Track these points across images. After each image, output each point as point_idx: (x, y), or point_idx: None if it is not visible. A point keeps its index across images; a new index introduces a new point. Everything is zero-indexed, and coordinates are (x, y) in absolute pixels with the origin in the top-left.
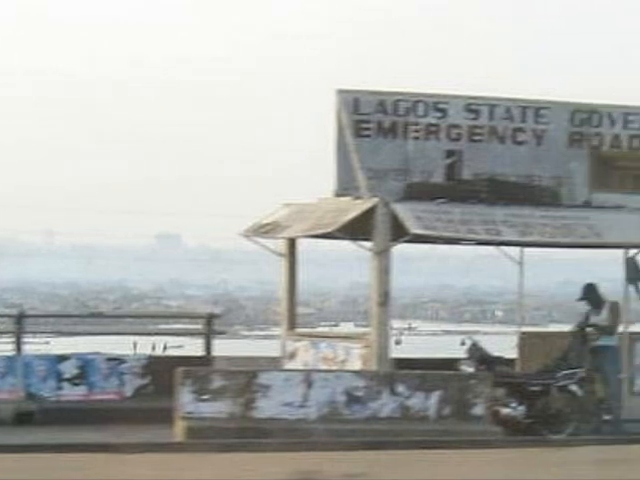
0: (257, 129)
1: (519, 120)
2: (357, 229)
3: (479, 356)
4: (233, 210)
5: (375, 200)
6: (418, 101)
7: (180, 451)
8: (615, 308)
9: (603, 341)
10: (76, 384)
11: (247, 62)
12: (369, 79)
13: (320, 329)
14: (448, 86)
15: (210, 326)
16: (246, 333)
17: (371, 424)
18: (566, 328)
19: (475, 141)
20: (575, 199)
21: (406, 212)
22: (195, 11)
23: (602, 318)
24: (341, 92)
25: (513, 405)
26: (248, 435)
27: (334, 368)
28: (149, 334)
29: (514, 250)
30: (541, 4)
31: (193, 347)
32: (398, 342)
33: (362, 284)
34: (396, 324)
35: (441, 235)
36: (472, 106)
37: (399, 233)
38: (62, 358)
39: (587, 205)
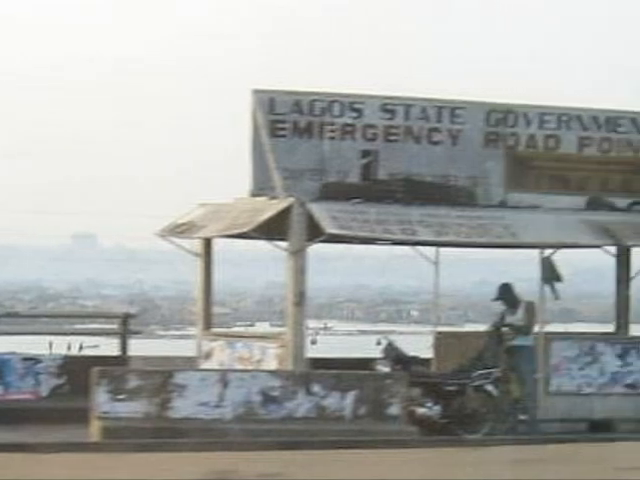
0: (173, 129)
1: (435, 120)
2: (273, 229)
3: (395, 356)
4: (149, 210)
5: (291, 200)
6: (334, 101)
7: (96, 451)
8: (531, 308)
9: (519, 341)
10: None
11: (159, 62)
12: (282, 78)
13: (236, 329)
14: (364, 86)
15: (126, 326)
16: (162, 333)
17: (287, 424)
18: (482, 328)
19: (391, 141)
20: (491, 199)
21: (322, 212)
22: (106, 10)
23: (518, 318)
24: (257, 92)
25: (429, 405)
26: (164, 435)
27: (250, 368)
28: (65, 334)
29: (430, 250)
30: (455, 6)
31: (109, 347)
32: (314, 342)
33: (278, 284)
34: (312, 324)
35: (357, 235)
36: (388, 106)
37: (315, 233)
38: None
39: (503, 205)
